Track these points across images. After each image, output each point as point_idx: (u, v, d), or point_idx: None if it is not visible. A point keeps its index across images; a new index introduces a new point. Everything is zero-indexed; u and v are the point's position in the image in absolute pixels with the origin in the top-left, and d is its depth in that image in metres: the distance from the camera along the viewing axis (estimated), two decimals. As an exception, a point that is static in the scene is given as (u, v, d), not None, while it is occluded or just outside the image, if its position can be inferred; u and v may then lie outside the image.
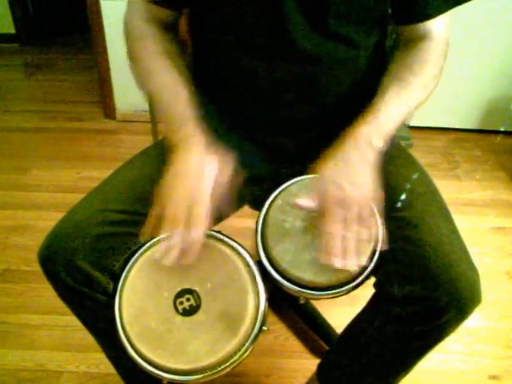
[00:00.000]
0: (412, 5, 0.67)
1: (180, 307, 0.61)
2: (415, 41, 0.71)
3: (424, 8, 0.67)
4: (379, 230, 0.62)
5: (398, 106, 0.66)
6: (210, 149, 0.64)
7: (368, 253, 0.61)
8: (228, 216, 0.83)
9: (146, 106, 1.59)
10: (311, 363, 0.99)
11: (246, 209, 0.89)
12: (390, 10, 0.70)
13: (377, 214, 0.62)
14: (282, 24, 0.65)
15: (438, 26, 0.70)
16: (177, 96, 0.68)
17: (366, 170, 0.62)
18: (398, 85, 0.67)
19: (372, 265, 0.62)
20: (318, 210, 0.61)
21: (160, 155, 0.78)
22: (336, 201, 0.59)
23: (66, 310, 0.71)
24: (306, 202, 0.61)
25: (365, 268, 0.62)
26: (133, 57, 0.73)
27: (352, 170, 0.62)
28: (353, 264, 0.58)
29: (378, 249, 0.61)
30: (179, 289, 0.61)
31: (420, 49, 0.70)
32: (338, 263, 0.57)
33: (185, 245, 0.59)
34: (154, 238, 0.64)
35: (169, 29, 0.74)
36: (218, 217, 0.82)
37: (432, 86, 0.70)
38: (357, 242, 0.59)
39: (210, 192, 0.61)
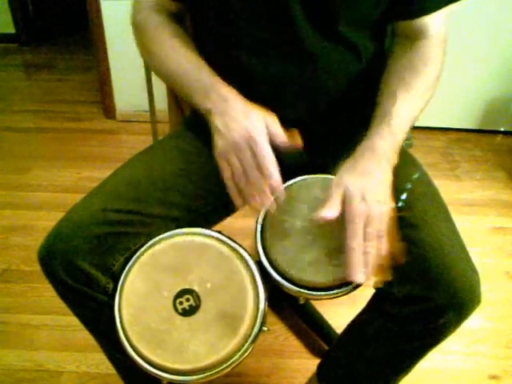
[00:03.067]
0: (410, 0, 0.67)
1: (180, 307, 0.61)
2: (413, 39, 0.70)
3: (422, 3, 0.67)
4: (397, 245, 0.61)
5: (408, 114, 0.66)
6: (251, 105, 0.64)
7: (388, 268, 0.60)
8: (228, 216, 0.83)
9: (146, 106, 1.59)
10: (311, 363, 1.00)
11: (246, 209, 0.88)
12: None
13: (396, 229, 0.61)
14: (287, 23, 0.65)
15: (435, 24, 0.69)
16: (198, 67, 0.67)
17: (384, 185, 0.62)
18: (404, 89, 0.67)
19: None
20: (339, 221, 0.60)
21: (160, 155, 0.79)
22: (360, 215, 0.58)
23: (66, 310, 0.71)
24: (329, 212, 0.59)
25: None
26: (144, 44, 0.73)
27: (376, 186, 0.61)
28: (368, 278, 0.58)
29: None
30: (179, 289, 0.61)
31: (420, 47, 0.69)
32: (362, 278, 0.57)
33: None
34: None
35: (177, 20, 0.74)
36: (218, 217, 0.82)
37: (435, 86, 0.70)
38: (377, 256, 0.58)
39: (266, 133, 0.60)
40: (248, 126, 0.60)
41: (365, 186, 0.60)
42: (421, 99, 0.68)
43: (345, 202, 0.60)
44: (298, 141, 0.64)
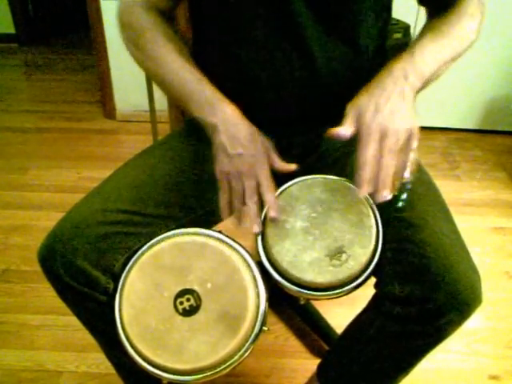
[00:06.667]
0: None
1: (180, 307, 0.61)
2: (451, 3, 0.69)
3: None
4: (408, 163, 0.58)
5: (433, 51, 0.64)
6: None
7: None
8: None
9: (146, 106, 1.59)
10: (311, 363, 0.99)
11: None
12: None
13: (413, 146, 0.59)
14: (288, 18, 0.65)
15: None
16: (200, 81, 0.68)
17: (403, 100, 0.60)
18: (433, 33, 0.66)
19: (372, 265, 0.62)
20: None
21: (160, 155, 0.79)
22: (374, 129, 0.57)
23: (66, 310, 0.71)
24: (343, 129, 0.59)
25: (369, 263, 0.62)
26: (138, 46, 0.72)
27: (392, 99, 0.60)
28: (387, 194, 0.57)
29: (406, 179, 0.59)
30: (179, 289, 0.61)
31: (456, 6, 0.69)
32: (365, 192, 0.56)
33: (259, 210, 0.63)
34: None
35: (167, 18, 0.74)
36: (219, 217, 0.82)
37: (469, 39, 0.68)
38: (393, 172, 0.57)
39: (267, 158, 0.64)
40: (254, 154, 0.63)
41: (379, 99, 0.59)
42: (450, 45, 0.66)
43: (359, 120, 0.59)
44: (292, 166, 0.67)
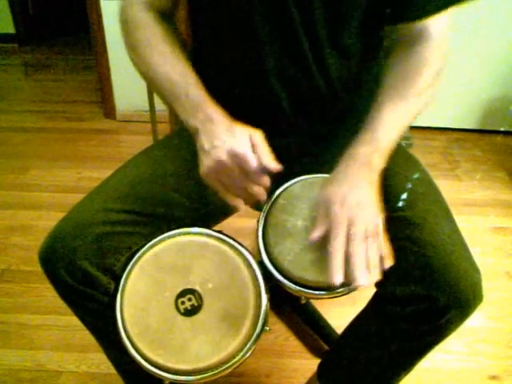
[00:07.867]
0: (409, 3, 0.66)
1: (181, 307, 0.61)
2: (412, 43, 0.69)
3: (421, 6, 0.66)
4: (382, 248, 0.60)
5: (395, 121, 0.65)
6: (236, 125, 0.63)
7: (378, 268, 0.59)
8: (229, 216, 0.83)
9: (146, 106, 1.59)
10: (311, 363, 1.00)
11: (247, 209, 0.88)
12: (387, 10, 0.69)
13: (381, 232, 0.60)
14: (283, 17, 0.65)
15: (436, 26, 0.68)
16: (187, 81, 0.66)
17: (368, 191, 0.62)
18: (394, 97, 0.66)
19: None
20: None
21: (161, 155, 0.79)
22: (339, 219, 0.58)
23: (66, 309, 0.71)
24: (317, 233, 0.60)
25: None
26: (132, 45, 0.71)
27: (357, 191, 0.61)
28: (364, 279, 0.56)
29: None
30: (181, 289, 0.61)
31: (417, 52, 0.68)
32: (339, 279, 0.56)
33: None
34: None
35: (166, 18, 0.73)
36: (219, 217, 0.82)
37: (429, 92, 0.69)
38: (367, 258, 0.58)
39: (250, 146, 0.60)
40: (232, 143, 0.59)
41: (345, 192, 0.61)
42: (411, 109, 0.67)
43: (328, 214, 0.60)
44: (278, 166, 0.63)
